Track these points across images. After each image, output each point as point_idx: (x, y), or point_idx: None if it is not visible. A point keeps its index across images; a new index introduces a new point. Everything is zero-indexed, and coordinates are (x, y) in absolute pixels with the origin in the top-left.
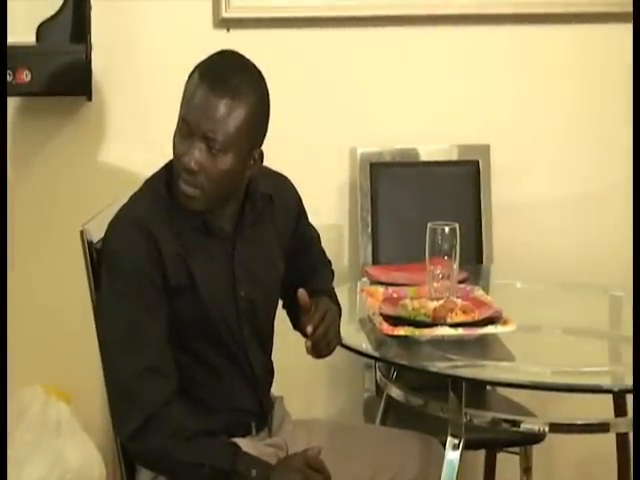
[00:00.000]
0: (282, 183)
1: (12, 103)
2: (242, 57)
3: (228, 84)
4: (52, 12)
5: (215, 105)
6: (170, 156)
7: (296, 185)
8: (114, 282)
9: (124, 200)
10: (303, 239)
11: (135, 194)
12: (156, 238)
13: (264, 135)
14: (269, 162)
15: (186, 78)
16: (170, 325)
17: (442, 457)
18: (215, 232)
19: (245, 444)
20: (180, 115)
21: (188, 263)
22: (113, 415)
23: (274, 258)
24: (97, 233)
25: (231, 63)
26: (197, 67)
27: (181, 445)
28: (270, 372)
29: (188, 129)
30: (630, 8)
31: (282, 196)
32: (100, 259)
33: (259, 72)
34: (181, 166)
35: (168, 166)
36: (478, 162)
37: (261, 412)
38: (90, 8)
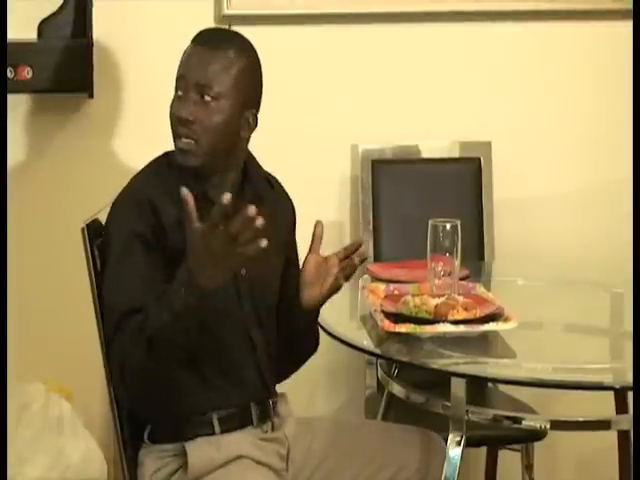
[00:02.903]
0: (279, 183)
1: (13, 100)
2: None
3: (221, 42)
4: (53, 9)
5: (208, 57)
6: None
7: (298, 182)
8: (111, 247)
9: None
10: (292, 254)
11: (137, 173)
12: (155, 205)
13: (259, 99)
14: (271, 159)
15: None
16: None
17: (443, 451)
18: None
19: (244, 437)
20: (176, 80)
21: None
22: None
23: (274, 243)
24: (98, 231)
25: (223, 31)
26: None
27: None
28: (272, 358)
29: (183, 84)
30: (631, 5)
31: (281, 190)
32: (101, 256)
33: (250, 42)
34: (177, 121)
35: (169, 152)
36: (480, 159)
37: (263, 393)
38: (91, 5)
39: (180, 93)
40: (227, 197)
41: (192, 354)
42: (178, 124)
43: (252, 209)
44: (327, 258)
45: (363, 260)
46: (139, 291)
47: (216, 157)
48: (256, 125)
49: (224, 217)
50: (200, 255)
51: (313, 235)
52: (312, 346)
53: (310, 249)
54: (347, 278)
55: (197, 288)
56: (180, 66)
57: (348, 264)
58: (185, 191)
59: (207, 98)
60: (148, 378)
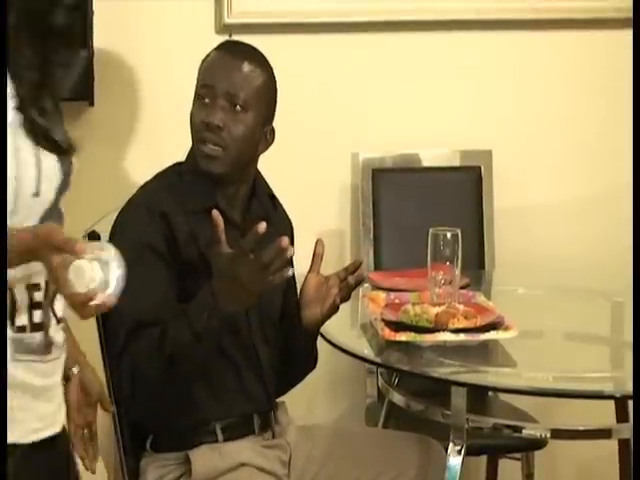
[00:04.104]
0: (280, 203)
1: None
2: None
3: (245, 52)
4: None
5: (236, 66)
6: (175, 159)
7: (299, 190)
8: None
9: None
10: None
11: (146, 183)
12: (167, 216)
13: (274, 114)
14: (272, 167)
15: (189, 83)
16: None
17: (442, 457)
18: (226, 218)
19: (246, 445)
20: (198, 86)
21: (199, 243)
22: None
23: None
24: (102, 235)
25: (244, 44)
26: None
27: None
28: (275, 371)
29: (210, 93)
30: (631, 14)
31: (282, 210)
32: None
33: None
34: (204, 127)
35: (179, 163)
36: (480, 168)
37: (266, 405)
38: (92, 14)
39: (207, 100)
40: (262, 226)
41: (205, 369)
42: (205, 130)
43: (285, 240)
44: (327, 278)
45: (360, 282)
46: (152, 303)
47: (237, 167)
48: (273, 141)
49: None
50: (227, 280)
51: (314, 254)
52: (310, 365)
53: (310, 268)
54: (343, 300)
55: (220, 311)
56: (205, 73)
57: (344, 285)
58: (216, 213)
59: (238, 108)
60: (160, 391)
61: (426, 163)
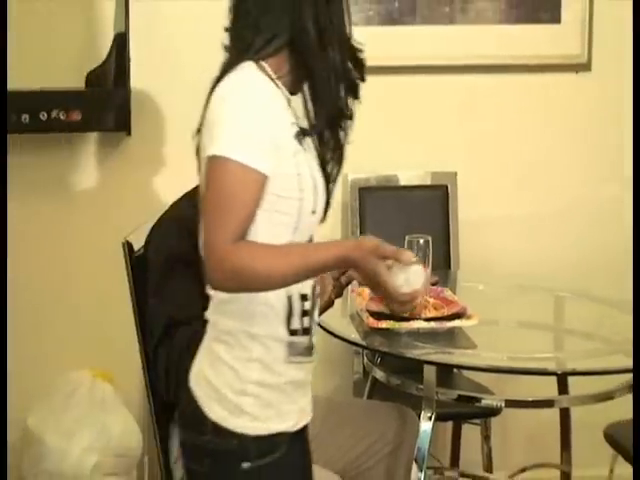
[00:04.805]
0: None
1: (66, 137)
2: None
3: None
4: (98, 62)
5: None
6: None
7: None
8: (155, 264)
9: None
10: None
11: (175, 201)
12: (197, 227)
13: None
14: None
15: None
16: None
17: (416, 423)
18: None
19: None
20: None
21: None
22: None
23: None
24: (137, 243)
25: None
26: None
27: None
28: None
29: None
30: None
31: None
32: (144, 270)
33: None
34: None
35: None
36: (447, 186)
37: None
38: (129, 59)
39: None
40: None
41: None
42: None
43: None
44: (323, 278)
45: (350, 281)
46: (182, 305)
47: None
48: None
49: None
50: None
51: None
52: None
53: None
54: (337, 296)
55: None
56: None
57: (337, 284)
58: None
59: None
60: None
61: (403, 182)
